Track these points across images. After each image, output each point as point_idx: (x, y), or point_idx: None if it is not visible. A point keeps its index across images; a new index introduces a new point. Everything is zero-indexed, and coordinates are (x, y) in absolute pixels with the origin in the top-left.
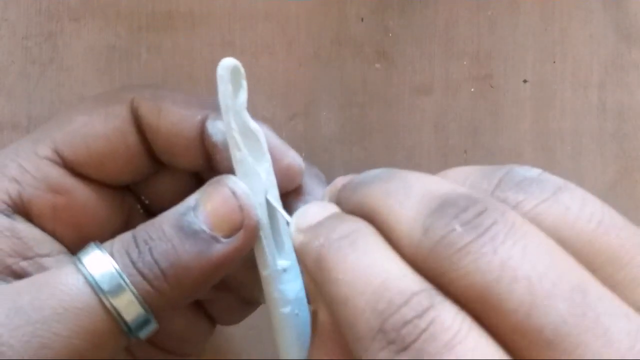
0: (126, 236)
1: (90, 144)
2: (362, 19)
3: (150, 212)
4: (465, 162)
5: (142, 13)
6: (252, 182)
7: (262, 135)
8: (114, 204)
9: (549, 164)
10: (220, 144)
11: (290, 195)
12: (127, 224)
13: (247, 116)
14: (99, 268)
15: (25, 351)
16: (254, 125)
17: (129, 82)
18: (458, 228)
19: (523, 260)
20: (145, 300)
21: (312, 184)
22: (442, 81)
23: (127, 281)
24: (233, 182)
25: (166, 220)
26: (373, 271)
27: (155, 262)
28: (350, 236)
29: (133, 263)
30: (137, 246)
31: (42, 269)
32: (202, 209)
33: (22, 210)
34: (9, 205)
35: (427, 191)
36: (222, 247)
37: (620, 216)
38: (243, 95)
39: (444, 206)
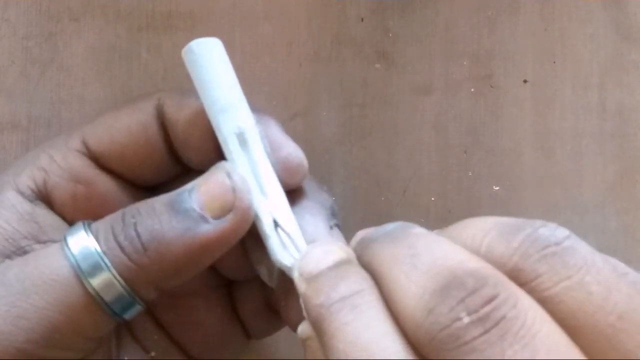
0: (117, 213)
1: (114, 134)
2: (362, 19)
3: None
4: (465, 162)
5: (142, 13)
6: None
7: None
8: (135, 201)
9: (549, 164)
10: None
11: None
12: None
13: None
14: (79, 246)
15: (4, 320)
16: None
17: (129, 83)
18: (464, 318)
19: None
20: (124, 277)
21: (310, 204)
22: (442, 81)
23: (107, 262)
24: (229, 167)
25: (159, 199)
26: (372, 350)
27: (138, 235)
28: (351, 299)
29: (114, 236)
30: (123, 220)
31: None
32: (196, 190)
33: (45, 197)
34: (33, 192)
35: (435, 264)
36: (210, 227)
37: None
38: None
39: (451, 286)
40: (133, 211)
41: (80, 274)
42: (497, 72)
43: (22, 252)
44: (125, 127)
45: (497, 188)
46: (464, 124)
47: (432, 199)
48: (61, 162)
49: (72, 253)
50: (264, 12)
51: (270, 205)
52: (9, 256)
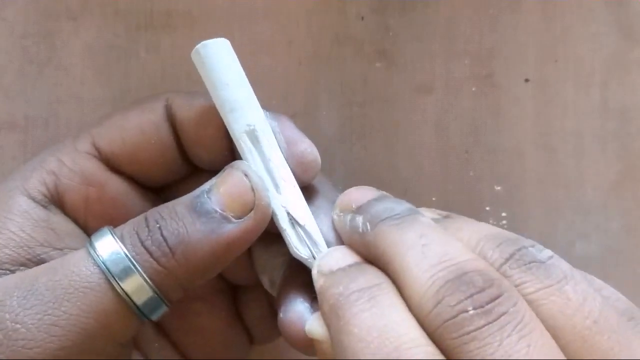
0: (138, 218)
1: (125, 135)
2: (363, 18)
3: None
4: (467, 162)
5: (141, 12)
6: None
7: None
8: (146, 203)
9: (551, 164)
10: None
11: None
12: None
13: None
14: (109, 251)
15: (37, 329)
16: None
17: (127, 82)
18: (470, 310)
19: (525, 358)
20: (154, 280)
21: (321, 201)
22: (443, 80)
23: (136, 264)
24: (246, 166)
25: (179, 202)
26: (388, 334)
27: (164, 239)
28: (370, 290)
29: (141, 242)
30: (147, 225)
31: None
32: (216, 191)
33: (57, 201)
34: (45, 196)
35: (445, 256)
36: (234, 227)
37: (616, 314)
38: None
39: (460, 281)
40: (155, 216)
41: (112, 279)
42: (498, 71)
43: (38, 259)
44: (137, 127)
45: (499, 188)
46: (465, 123)
47: (433, 199)
48: (71, 165)
49: (101, 258)
50: (263, 11)
51: (284, 200)
52: (24, 264)
